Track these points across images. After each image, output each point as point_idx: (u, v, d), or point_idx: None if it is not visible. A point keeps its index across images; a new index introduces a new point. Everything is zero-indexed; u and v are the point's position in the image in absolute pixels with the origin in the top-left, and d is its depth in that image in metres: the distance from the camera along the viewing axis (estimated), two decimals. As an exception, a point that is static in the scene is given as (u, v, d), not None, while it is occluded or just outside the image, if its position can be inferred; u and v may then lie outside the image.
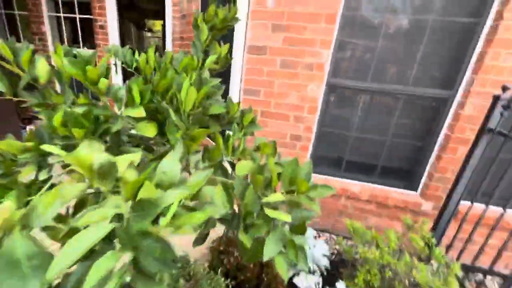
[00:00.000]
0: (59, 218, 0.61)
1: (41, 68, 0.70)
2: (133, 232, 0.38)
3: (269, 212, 0.58)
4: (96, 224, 0.40)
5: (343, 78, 2.15)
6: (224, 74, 2.36)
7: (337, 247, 2.49)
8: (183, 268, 1.29)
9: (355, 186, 2.36)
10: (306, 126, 2.22)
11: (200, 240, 0.80)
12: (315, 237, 2.38)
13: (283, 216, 0.57)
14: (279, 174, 0.66)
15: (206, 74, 0.84)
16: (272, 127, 2.28)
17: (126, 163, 0.47)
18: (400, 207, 2.29)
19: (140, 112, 0.68)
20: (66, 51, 0.72)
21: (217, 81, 0.92)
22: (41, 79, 0.72)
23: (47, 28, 3.35)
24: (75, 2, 3.30)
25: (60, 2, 3.35)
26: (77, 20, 3.37)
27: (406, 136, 2.22)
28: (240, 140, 0.84)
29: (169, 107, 0.71)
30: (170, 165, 0.48)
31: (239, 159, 1.03)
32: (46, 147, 0.46)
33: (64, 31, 3.50)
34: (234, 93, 2.19)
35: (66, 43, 3.58)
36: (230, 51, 2.13)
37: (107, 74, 0.67)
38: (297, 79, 2.09)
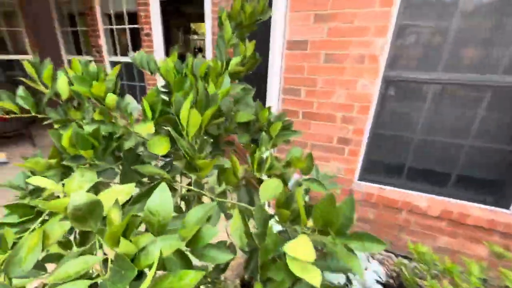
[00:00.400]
0: (64, 244, 0.59)
1: (61, 85, 0.71)
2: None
3: (292, 266, 0.45)
4: (72, 281, 0.34)
5: (405, 70, 1.83)
6: (262, 74, 2.26)
7: (395, 268, 2.17)
8: (213, 284, 1.23)
9: (421, 199, 2.00)
10: (357, 128, 1.96)
11: (219, 270, 0.71)
12: (367, 258, 2.11)
13: (310, 278, 0.43)
14: (310, 209, 0.52)
15: (226, 79, 0.75)
16: (316, 129, 2.09)
17: (112, 199, 0.40)
18: (484, 227, 1.86)
19: (149, 128, 0.62)
20: (83, 64, 0.71)
21: (240, 86, 0.82)
22: (62, 95, 0.73)
23: (102, 40, 3.77)
24: (124, 13, 3.62)
25: (112, 15, 3.73)
26: (127, 30, 3.70)
27: (493, 139, 1.78)
28: (269, 153, 0.72)
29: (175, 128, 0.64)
30: (161, 202, 0.40)
31: (270, 176, 0.91)
32: (32, 180, 0.42)
33: (116, 42, 3.89)
34: (273, 94, 2.08)
35: (118, 53, 3.97)
36: (265, 48, 2.02)
37: (115, 89, 0.63)
38: (344, 74, 1.86)
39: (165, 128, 0.78)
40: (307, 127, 2.11)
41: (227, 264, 0.75)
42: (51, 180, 0.43)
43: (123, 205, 0.43)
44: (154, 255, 0.33)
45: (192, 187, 0.65)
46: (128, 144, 0.67)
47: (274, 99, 2.08)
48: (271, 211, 2.00)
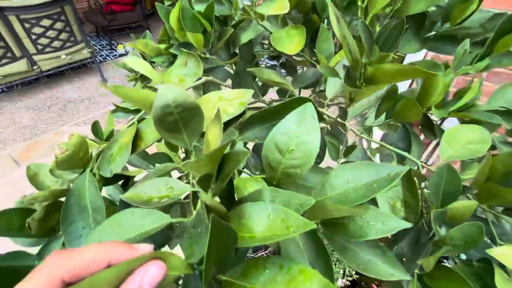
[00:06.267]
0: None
1: None
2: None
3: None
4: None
5: None
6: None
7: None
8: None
9: None
10: None
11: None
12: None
13: None
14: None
15: None
16: None
17: (214, 109, 0.28)
18: None
19: (281, 6, 0.43)
20: None
21: None
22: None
23: None
24: None
25: None
26: None
27: None
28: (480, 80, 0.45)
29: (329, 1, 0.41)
30: (299, 132, 0.24)
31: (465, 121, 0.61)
32: (129, 61, 0.33)
33: None
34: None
35: None
36: None
37: None
38: None
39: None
40: None
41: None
42: (150, 66, 0.33)
43: (232, 121, 0.30)
44: (254, 220, 0.20)
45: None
46: (246, 36, 0.52)
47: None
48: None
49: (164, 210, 0.24)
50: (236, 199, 0.27)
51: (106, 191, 0.44)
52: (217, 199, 0.26)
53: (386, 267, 0.26)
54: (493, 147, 0.54)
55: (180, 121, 0.26)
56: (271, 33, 0.53)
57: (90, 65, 3.61)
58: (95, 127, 0.36)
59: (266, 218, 0.20)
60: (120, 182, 0.42)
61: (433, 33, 0.58)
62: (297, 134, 0.25)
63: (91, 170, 0.32)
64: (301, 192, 0.26)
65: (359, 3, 0.33)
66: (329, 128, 0.63)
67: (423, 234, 0.38)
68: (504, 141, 0.52)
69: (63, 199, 0.31)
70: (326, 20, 0.61)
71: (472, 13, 0.51)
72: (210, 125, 0.23)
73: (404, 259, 0.36)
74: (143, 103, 0.26)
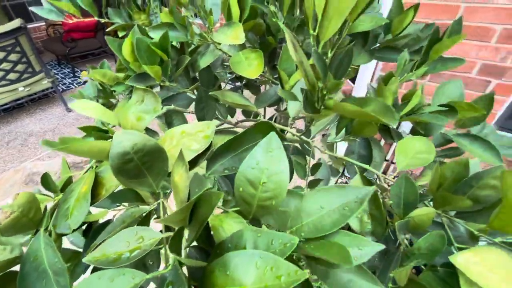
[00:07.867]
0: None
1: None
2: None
3: None
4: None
5: None
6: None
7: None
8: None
9: None
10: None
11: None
12: None
13: None
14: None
15: None
16: (452, 52, 1.54)
17: (179, 146, 0.26)
18: None
19: (236, 35, 0.43)
20: None
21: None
22: (124, -9, 0.59)
23: None
24: None
25: None
26: None
27: None
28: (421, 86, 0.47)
29: (286, 28, 0.42)
30: (269, 163, 0.24)
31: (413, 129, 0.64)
32: (75, 105, 0.31)
33: None
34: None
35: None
36: None
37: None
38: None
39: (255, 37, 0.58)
40: (437, 49, 1.57)
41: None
42: (100, 107, 0.32)
43: (199, 156, 0.29)
44: (241, 271, 0.19)
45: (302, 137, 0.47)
46: (204, 61, 0.52)
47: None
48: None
49: (137, 262, 0.22)
50: (215, 241, 0.26)
51: (68, 238, 0.41)
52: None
53: (368, 284, 0.26)
54: (449, 141, 0.57)
55: (142, 166, 0.25)
56: (230, 56, 0.53)
57: (52, 95, 3.43)
58: (46, 180, 0.33)
59: (254, 268, 0.19)
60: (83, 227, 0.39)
61: (378, 45, 0.62)
62: (266, 166, 0.25)
63: (45, 229, 0.30)
64: (277, 218, 0.26)
65: (311, 31, 0.34)
66: (299, 146, 0.63)
67: (391, 243, 0.38)
68: (457, 134, 0.56)
69: (16, 267, 0.28)
70: (279, 41, 0.62)
71: (409, 23, 0.55)
72: (175, 166, 0.22)
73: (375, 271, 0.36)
74: (100, 154, 0.25)
